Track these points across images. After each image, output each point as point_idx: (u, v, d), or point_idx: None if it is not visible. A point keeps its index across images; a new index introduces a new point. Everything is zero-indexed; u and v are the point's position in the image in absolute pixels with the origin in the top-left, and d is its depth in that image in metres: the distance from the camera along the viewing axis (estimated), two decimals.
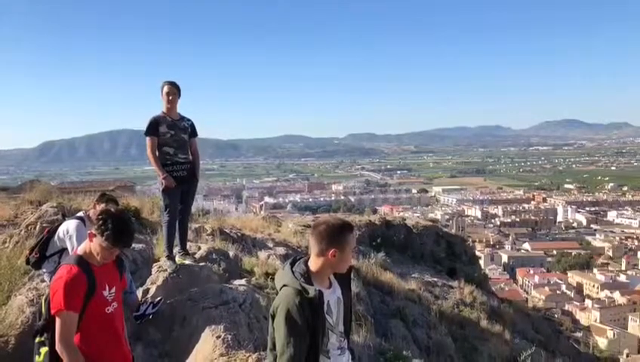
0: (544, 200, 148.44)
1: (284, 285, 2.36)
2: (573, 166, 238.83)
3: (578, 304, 58.60)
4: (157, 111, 5.30)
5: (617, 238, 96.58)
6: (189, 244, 6.27)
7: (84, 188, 13.11)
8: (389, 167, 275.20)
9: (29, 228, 7.05)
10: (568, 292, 65.03)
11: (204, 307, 4.83)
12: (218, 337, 4.42)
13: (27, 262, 4.71)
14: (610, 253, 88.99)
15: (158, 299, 4.89)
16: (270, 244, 10.29)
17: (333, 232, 2.38)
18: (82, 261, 2.93)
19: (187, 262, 5.67)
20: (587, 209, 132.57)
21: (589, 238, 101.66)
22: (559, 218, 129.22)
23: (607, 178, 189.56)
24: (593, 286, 67.49)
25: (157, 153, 5.23)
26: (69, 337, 2.81)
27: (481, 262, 39.84)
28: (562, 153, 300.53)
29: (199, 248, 6.81)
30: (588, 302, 59.64)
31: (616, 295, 60.37)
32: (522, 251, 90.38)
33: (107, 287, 3.03)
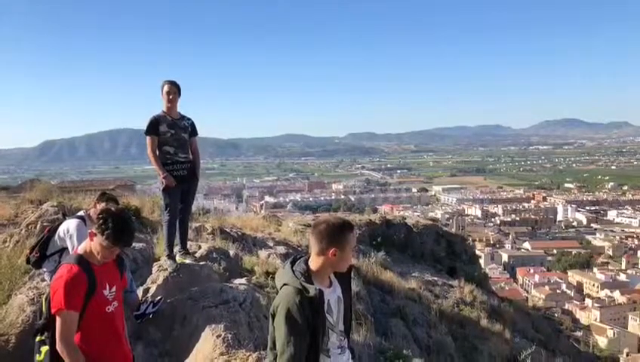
0: (544, 199, 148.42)
1: (285, 284, 2.36)
2: (574, 165, 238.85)
3: (578, 303, 58.58)
4: (157, 111, 5.30)
5: (617, 237, 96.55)
6: (189, 243, 6.27)
7: (84, 188, 13.11)
8: (389, 166, 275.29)
9: (30, 227, 7.06)
10: (568, 292, 65.02)
11: (204, 306, 4.84)
12: (218, 336, 4.42)
13: (28, 261, 4.71)
14: (610, 252, 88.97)
15: (159, 298, 4.89)
16: (270, 243, 10.30)
17: (333, 231, 2.38)
18: (83, 260, 2.94)
19: (187, 261, 5.67)
20: (587, 208, 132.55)
21: (589, 237, 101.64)
22: (559, 217, 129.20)
23: (607, 177, 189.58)
24: (593, 285, 67.49)
25: (157, 152, 5.23)
26: (70, 336, 2.82)
27: (481, 261, 39.84)
28: (562, 152, 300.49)
29: (200, 247, 6.82)
30: (588, 301, 59.63)
31: (617, 294, 60.36)
32: (522, 250, 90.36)
33: (107, 286, 3.03)
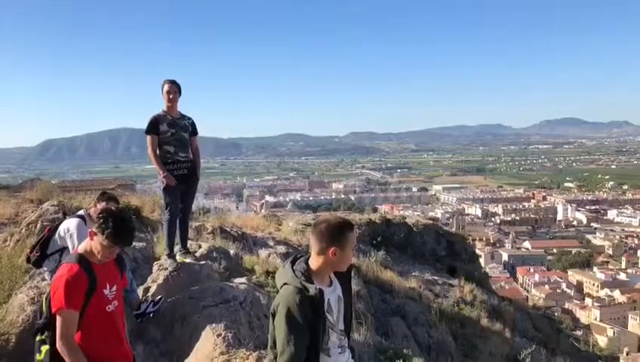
0: (544, 198, 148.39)
1: (285, 283, 2.37)
2: (574, 164, 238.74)
3: (578, 302, 58.58)
4: (158, 110, 5.31)
5: (617, 237, 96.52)
6: (189, 243, 6.28)
7: (84, 187, 13.11)
8: (389, 165, 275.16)
9: (30, 226, 7.06)
10: (568, 291, 65.03)
11: (204, 305, 4.84)
12: (219, 335, 4.43)
13: (28, 260, 4.72)
14: (611, 252, 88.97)
15: (159, 297, 4.89)
16: (271, 243, 10.30)
17: (333, 231, 2.38)
18: (83, 259, 2.94)
19: (188, 260, 5.67)
20: (587, 207, 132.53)
21: (589, 237, 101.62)
22: (559, 216, 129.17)
23: (607, 176, 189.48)
24: (593, 284, 67.49)
25: (158, 151, 5.24)
26: (70, 335, 2.82)
27: (482, 260, 39.84)
28: (562, 152, 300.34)
29: (200, 246, 6.82)
30: (588, 301, 59.64)
31: (617, 293, 60.35)
32: (522, 249, 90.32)
33: (108, 286, 3.03)
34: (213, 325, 4.55)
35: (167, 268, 5.37)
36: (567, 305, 54.73)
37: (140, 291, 5.01)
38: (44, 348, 2.96)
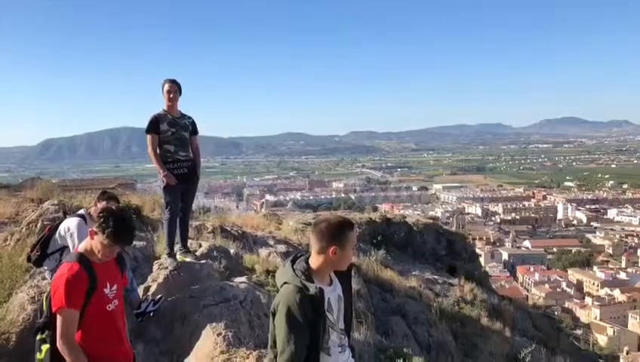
0: (544, 197, 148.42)
1: (285, 282, 2.37)
2: (574, 163, 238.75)
3: (578, 301, 58.58)
4: (158, 109, 5.31)
5: (617, 236, 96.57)
6: (189, 242, 6.28)
7: (85, 186, 13.11)
8: (389, 164, 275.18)
9: (31, 225, 7.06)
10: (568, 290, 65.04)
11: (205, 304, 4.85)
12: (219, 334, 4.43)
13: (28, 259, 4.72)
14: (611, 251, 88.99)
15: (159, 296, 4.90)
16: (271, 242, 10.31)
17: (333, 230, 2.38)
18: (83, 258, 2.94)
19: (188, 259, 5.68)
20: (587, 206, 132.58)
21: (589, 236, 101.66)
22: (559, 215, 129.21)
23: (607, 176, 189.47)
24: (593, 283, 67.52)
25: (158, 151, 5.24)
26: (70, 334, 2.82)
27: (482, 259, 39.84)
28: (562, 151, 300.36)
29: (200, 246, 6.83)
30: (588, 300, 59.64)
31: (617, 292, 60.37)
32: (522, 249, 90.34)
33: (108, 285, 3.04)
34: (214, 324, 4.56)
35: (167, 267, 5.37)
36: (567, 304, 54.67)
37: (140, 290, 5.01)
38: (45, 347, 2.96)
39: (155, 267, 5.55)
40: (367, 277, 9.87)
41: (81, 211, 4.69)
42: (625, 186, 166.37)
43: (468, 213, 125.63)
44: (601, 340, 35.28)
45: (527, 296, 50.20)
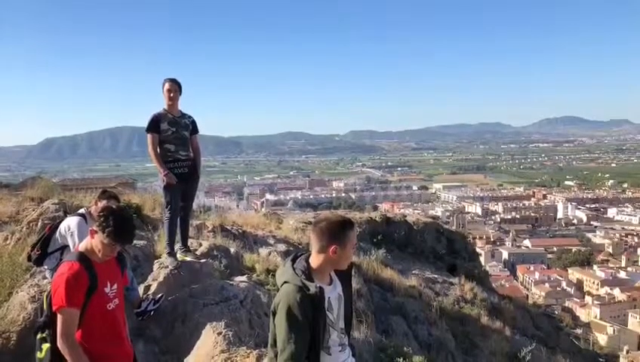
0: (544, 197, 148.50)
1: (285, 282, 2.37)
2: (574, 163, 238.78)
3: (578, 300, 58.54)
4: (158, 108, 5.31)
5: (617, 235, 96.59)
6: (190, 241, 6.28)
7: (85, 185, 13.11)
8: (389, 164, 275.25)
9: (31, 224, 7.06)
10: (568, 289, 65.00)
11: (205, 303, 4.85)
12: (219, 333, 4.43)
13: (29, 258, 4.72)
14: (611, 250, 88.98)
15: (160, 295, 4.90)
16: (271, 241, 10.31)
17: (334, 229, 2.38)
18: (84, 257, 2.94)
19: (188, 258, 5.68)
20: (587, 206, 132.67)
21: (589, 235, 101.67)
22: (559, 215, 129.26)
23: (607, 175, 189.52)
24: (593, 282, 67.48)
25: (158, 150, 5.24)
26: (71, 334, 2.82)
27: (482, 258, 39.82)
28: (562, 150, 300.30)
29: (200, 245, 6.83)
30: (588, 299, 59.62)
31: (617, 291, 60.34)
32: (522, 248, 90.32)
33: (108, 284, 3.04)
34: (214, 323, 4.56)
35: (167, 267, 5.37)
36: (567, 303, 54.61)
37: (140, 289, 5.02)
38: (45, 346, 2.96)
39: (156, 266, 5.56)
40: (367, 276, 9.87)
41: (82, 210, 4.70)
42: (625, 185, 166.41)
43: (468, 212, 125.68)
44: (601, 339, 35.28)
45: (527, 295, 50.17)
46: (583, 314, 49.91)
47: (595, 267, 74.62)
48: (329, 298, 2.42)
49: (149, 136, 5.18)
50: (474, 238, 73.09)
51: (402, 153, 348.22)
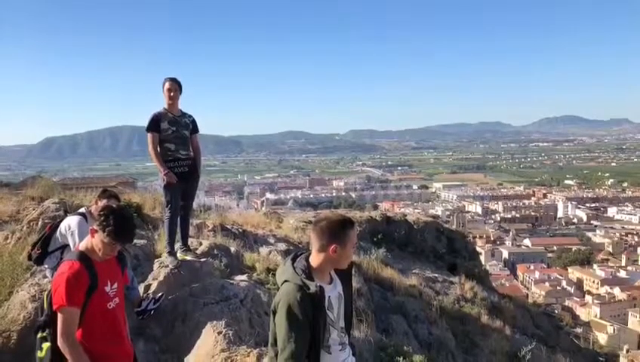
0: (544, 196, 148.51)
1: (286, 281, 2.37)
2: (574, 162, 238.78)
3: (578, 300, 58.58)
4: (158, 108, 5.31)
5: (617, 234, 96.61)
6: (190, 240, 6.29)
7: (85, 185, 13.12)
8: (389, 163, 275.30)
9: (31, 224, 7.06)
10: (568, 288, 65.02)
11: (205, 302, 4.85)
12: (219, 333, 4.44)
13: (29, 258, 4.72)
14: (611, 249, 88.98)
15: (160, 294, 4.91)
16: (271, 240, 10.32)
17: (334, 228, 2.39)
18: (84, 257, 2.94)
19: (188, 257, 5.68)
20: (587, 205, 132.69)
21: (589, 234, 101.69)
22: (559, 214, 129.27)
23: (607, 174, 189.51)
24: (593, 282, 67.49)
25: (158, 149, 5.24)
26: (71, 333, 2.82)
27: (482, 257, 39.81)
28: (562, 149, 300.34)
29: (201, 244, 6.83)
30: (588, 298, 59.62)
31: (617, 291, 60.35)
32: (523, 247, 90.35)
33: (109, 283, 3.04)
34: (214, 322, 4.57)
35: (168, 266, 5.37)
36: (567, 303, 54.65)
37: (140, 288, 5.02)
38: (46, 345, 2.96)
39: (156, 265, 5.56)
40: (367, 275, 9.87)
41: (82, 209, 4.70)
42: (625, 184, 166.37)
43: (468, 212, 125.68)
44: (601, 338, 35.28)
45: (527, 294, 50.17)
46: (583, 313, 49.93)
47: (595, 266, 74.66)
48: (329, 297, 2.42)
49: (149, 135, 5.18)
50: (474, 237, 73.11)
51: (402, 152, 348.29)
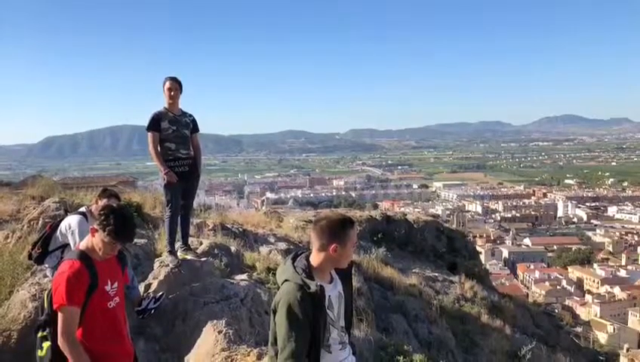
0: (544, 195, 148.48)
1: (286, 280, 2.37)
2: (574, 161, 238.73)
3: (578, 299, 58.61)
4: (159, 107, 5.31)
5: (617, 233, 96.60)
6: (190, 239, 6.29)
7: (86, 184, 13.13)
8: (389, 162, 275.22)
9: (32, 223, 7.06)
10: (569, 288, 65.04)
11: (205, 302, 4.86)
12: (220, 332, 4.44)
13: (30, 257, 4.72)
14: (611, 248, 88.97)
15: (160, 293, 4.91)
16: (272, 239, 10.32)
17: (334, 227, 2.39)
18: (84, 256, 2.94)
19: (189, 257, 5.69)
20: (587, 204, 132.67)
21: (589, 233, 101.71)
22: (559, 213, 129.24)
23: (607, 173, 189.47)
24: (593, 281, 67.50)
25: (159, 148, 5.24)
26: (71, 332, 2.83)
27: (482, 257, 39.84)
28: (562, 148, 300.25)
29: (201, 243, 6.84)
30: (588, 297, 59.65)
31: (617, 290, 60.37)
32: (523, 246, 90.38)
33: (109, 282, 3.04)
34: (214, 321, 4.57)
35: (168, 265, 5.38)
36: (567, 302, 54.70)
37: (141, 287, 5.02)
38: (46, 344, 2.97)
39: (156, 264, 5.56)
40: (367, 274, 9.87)
41: (82, 209, 4.70)
42: (625, 184, 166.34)
43: (468, 211, 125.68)
44: (601, 337, 35.33)
45: (527, 293, 50.19)
46: (583, 313, 49.97)
47: (595, 265, 74.66)
48: (329, 296, 2.42)
49: (149, 134, 5.18)
50: (474, 237, 73.11)
51: (402, 151, 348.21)
